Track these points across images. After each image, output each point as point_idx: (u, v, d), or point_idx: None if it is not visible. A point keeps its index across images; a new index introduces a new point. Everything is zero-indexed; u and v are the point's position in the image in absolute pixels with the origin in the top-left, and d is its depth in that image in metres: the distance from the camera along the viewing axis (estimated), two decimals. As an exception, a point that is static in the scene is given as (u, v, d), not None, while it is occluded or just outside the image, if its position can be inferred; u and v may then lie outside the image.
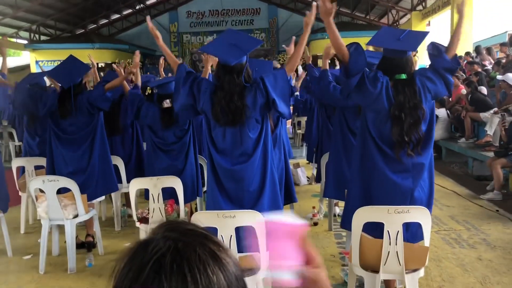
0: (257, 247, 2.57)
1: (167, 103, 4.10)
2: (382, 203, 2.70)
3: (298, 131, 11.26)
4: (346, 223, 3.22)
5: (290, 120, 11.29)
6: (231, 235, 2.49)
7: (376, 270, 2.60)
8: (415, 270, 2.61)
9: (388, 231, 2.50)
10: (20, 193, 5.11)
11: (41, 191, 3.89)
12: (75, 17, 21.18)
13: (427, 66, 2.97)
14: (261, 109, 3.02)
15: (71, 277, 3.79)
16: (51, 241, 4.23)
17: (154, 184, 3.68)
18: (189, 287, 0.62)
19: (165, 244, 0.66)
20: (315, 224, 4.96)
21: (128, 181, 5.12)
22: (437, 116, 7.15)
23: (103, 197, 4.59)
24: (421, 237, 2.65)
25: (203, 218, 2.57)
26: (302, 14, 22.05)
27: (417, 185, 2.80)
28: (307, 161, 7.47)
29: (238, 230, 2.55)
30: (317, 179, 5.37)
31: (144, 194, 4.24)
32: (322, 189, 5.02)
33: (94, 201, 4.34)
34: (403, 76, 2.82)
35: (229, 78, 2.97)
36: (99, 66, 20.53)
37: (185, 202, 3.92)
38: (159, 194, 3.68)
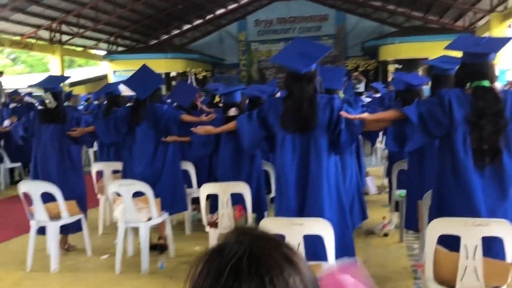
0: (325, 256, 2.54)
1: (232, 112, 4.17)
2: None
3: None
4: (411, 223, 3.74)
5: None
6: (299, 243, 2.48)
7: (452, 286, 2.47)
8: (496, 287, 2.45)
9: (465, 244, 2.37)
10: (98, 196, 5.41)
11: (118, 194, 4.09)
12: (149, 29, 22.19)
13: None
14: (328, 122, 3.01)
15: (144, 278, 3.94)
16: (127, 242, 4.44)
17: (223, 190, 3.75)
18: None
19: (240, 248, 0.69)
20: (386, 235, 4.81)
21: (199, 185, 5.29)
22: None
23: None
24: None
25: (271, 225, 2.58)
26: (371, 19, 21.64)
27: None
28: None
29: (306, 238, 2.53)
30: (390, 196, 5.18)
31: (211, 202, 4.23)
32: (393, 200, 4.87)
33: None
34: (485, 83, 2.68)
35: (298, 86, 3.00)
36: (171, 75, 21.44)
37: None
38: (228, 199, 3.75)
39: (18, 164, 8.92)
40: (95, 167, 5.31)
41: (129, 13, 19.10)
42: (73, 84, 21.30)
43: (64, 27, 18.09)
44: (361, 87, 16.93)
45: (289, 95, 3.06)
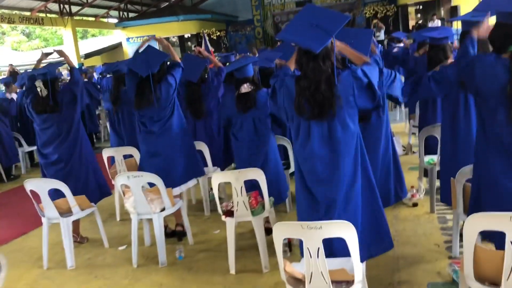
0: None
1: (245, 88, 3.85)
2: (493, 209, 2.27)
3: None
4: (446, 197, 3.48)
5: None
6: (318, 248, 2.20)
7: (494, 283, 2.18)
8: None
9: (511, 241, 2.05)
10: (113, 182, 5.23)
11: (127, 186, 3.88)
12: (159, -9, 21.59)
13: None
14: (352, 99, 2.61)
15: (162, 271, 3.77)
16: (142, 233, 4.28)
17: (236, 178, 3.48)
18: None
19: None
20: (415, 205, 4.50)
21: (215, 165, 5.05)
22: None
23: (194, 182, 4.48)
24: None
25: (286, 230, 2.31)
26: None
27: None
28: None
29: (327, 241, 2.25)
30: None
31: None
32: (421, 167, 4.52)
33: (183, 188, 4.28)
34: None
35: (313, 65, 2.55)
36: (185, 37, 20.98)
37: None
38: (242, 187, 3.49)
39: (35, 148, 8.86)
40: (105, 153, 5.09)
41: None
42: (88, 55, 21.09)
43: (72, -2, 17.72)
44: (381, 35, 16.11)
45: (303, 75, 2.65)
